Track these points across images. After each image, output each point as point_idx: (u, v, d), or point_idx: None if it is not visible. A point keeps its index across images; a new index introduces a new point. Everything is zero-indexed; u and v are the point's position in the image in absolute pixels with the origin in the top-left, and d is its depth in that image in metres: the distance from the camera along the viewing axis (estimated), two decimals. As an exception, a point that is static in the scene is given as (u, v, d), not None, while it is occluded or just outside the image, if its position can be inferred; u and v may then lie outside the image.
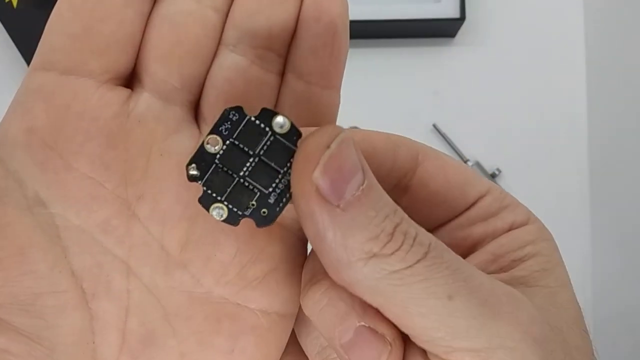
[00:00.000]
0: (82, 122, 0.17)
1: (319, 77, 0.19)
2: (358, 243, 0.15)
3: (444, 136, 0.57)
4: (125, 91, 0.18)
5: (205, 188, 0.17)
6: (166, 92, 0.18)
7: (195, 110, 0.19)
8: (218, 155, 0.17)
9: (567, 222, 0.58)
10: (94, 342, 0.17)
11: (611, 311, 0.55)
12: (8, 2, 0.54)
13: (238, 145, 0.17)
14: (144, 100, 0.18)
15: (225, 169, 0.17)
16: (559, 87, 0.59)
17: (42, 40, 0.18)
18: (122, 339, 0.18)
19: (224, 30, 0.18)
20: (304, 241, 0.20)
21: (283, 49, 0.18)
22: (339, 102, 0.19)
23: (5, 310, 0.16)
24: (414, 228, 0.16)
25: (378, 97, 0.58)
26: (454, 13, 0.55)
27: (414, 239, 0.15)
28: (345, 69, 0.20)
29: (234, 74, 0.18)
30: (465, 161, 0.57)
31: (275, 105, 0.19)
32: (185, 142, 0.18)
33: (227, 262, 0.18)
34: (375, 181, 0.16)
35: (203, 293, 0.18)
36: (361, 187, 0.15)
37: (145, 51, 0.18)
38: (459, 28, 0.57)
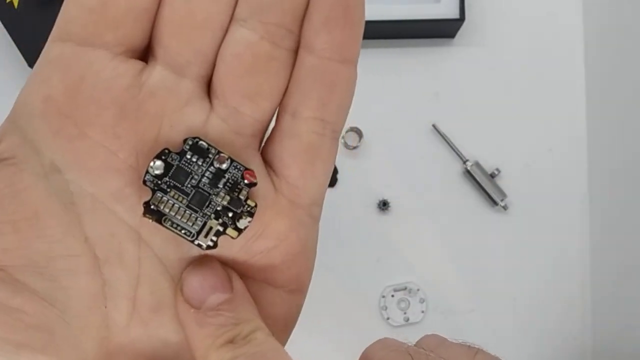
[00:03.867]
0: (96, 92, 0.18)
1: (332, 51, 0.18)
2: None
3: (443, 136, 0.57)
4: (138, 64, 0.18)
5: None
6: (179, 66, 0.18)
7: (208, 84, 0.19)
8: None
9: (566, 222, 0.58)
10: (105, 307, 0.18)
11: (611, 311, 0.55)
12: (9, 2, 0.54)
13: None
14: (157, 73, 0.18)
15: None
16: (558, 87, 0.59)
17: (61, 11, 0.18)
18: (133, 306, 0.18)
19: (236, 5, 0.18)
20: (315, 220, 0.20)
21: (295, 25, 0.18)
22: (356, 77, 0.19)
23: (20, 271, 0.17)
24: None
25: (378, 97, 0.58)
26: (454, 13, 0.56)
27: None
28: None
29: (243, 49, 0.18)
30: (465, 161, 0.57)
31: (289, 82, 0.19)
32: (196, 115, 0.19)
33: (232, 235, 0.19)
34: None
35: None
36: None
37: (159, 25, 0.18)
38: (458, 28, 0.58)
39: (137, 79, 0.18)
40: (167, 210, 0.18)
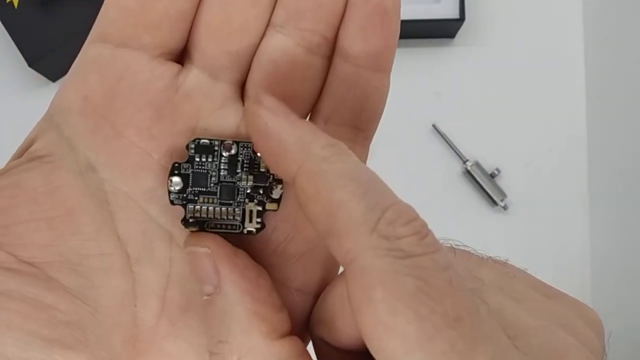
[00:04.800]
0: (133, 93, 0.18)
1: (367, 60, 0.18)
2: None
3: (443, 136, 0.57)
4: (175, 66, 0.18)
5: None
6: (214, 69, 0.18)
7: (242, 88, 0.19)
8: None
9: (566, 222, 0.58)
10: (135, 306, 0.18)
11: (610, 310, 0.55)
12: (9, 2, 0.54)
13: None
14: (193, 75, 0.18)
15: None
16: (558, 87, 0.59)
17: (100, 13, 0.18)
18: (162, 305, 0.18)
19: (273, 11, 0.18)
20: None
21: (330, 32, 0.18)
22: (389, 86, 0.20)
23: (55, 268, 0.17)
24: None
25: (378, 98, 0.58)
26: (454, 13, 0.56)
27: None
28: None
29: (279, 55, 0.18)
30: (465, 161, 0.57)
31: (322, 89, 0.19)
32: (230, 118, 0.19)
33: (264, 238, 0.19)
34: None
35: None
36: None
37: (197, 29, 0.18)
38: (458, 28, 0.58)
39: (174, 81, 0.18)
40: (205, 216, 0.18)
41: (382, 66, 0.19)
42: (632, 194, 0.52)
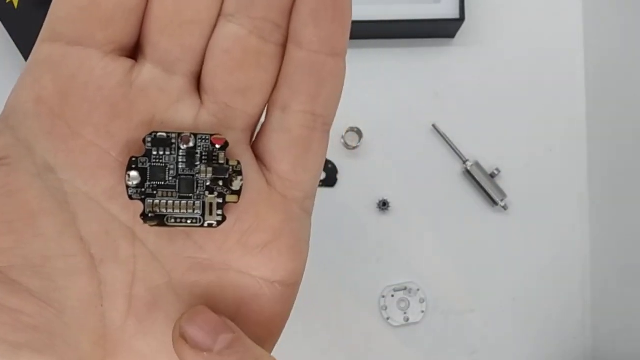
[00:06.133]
0: (87, 91, 0.18)
1: (321, 45, 0.18)
2: None
3: (443, 136, 0.57)
4: (128, 62, 0.18)
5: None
6: (168, 63, 0.18)
7: (198, 80, 0.19)
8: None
9: (566, 222, 0.58)
10: (102, 306, 0.18)
11: (611, 311, 0.55)
12: (9, 2, 0.54)
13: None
14: (147, 70, 0.18)
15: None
16: (558, 87, 0.59)
17: (49, 12, 0.18)
18: (129, 303, 0.18)
19: (224, 1, 0.18)
20: (307, 213, 0.20)
21: (282, 19, 0.18)
22: (345, 70, 0.19)
23: (17, 272, 0.17)
24: None
25: (378, 98, 0.58)
26: (454, 13, 0.56)
27: None
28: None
29: (232, 45, 0.18)
30: (465, 161, 0.57)
31: (278, 77, 0.19)
32: (187, 112, 0.19)
33: (227, 229, 0.19)
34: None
35: (206, 259, 0.19)
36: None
37: (148, 23, 0.18)
38: (458, 28, 0.58)
39: (128, 77, 0.18)
40: (164, 210, 0.18)
41: (336, 50, 0.19)
42: (632, 194, 0.52)
